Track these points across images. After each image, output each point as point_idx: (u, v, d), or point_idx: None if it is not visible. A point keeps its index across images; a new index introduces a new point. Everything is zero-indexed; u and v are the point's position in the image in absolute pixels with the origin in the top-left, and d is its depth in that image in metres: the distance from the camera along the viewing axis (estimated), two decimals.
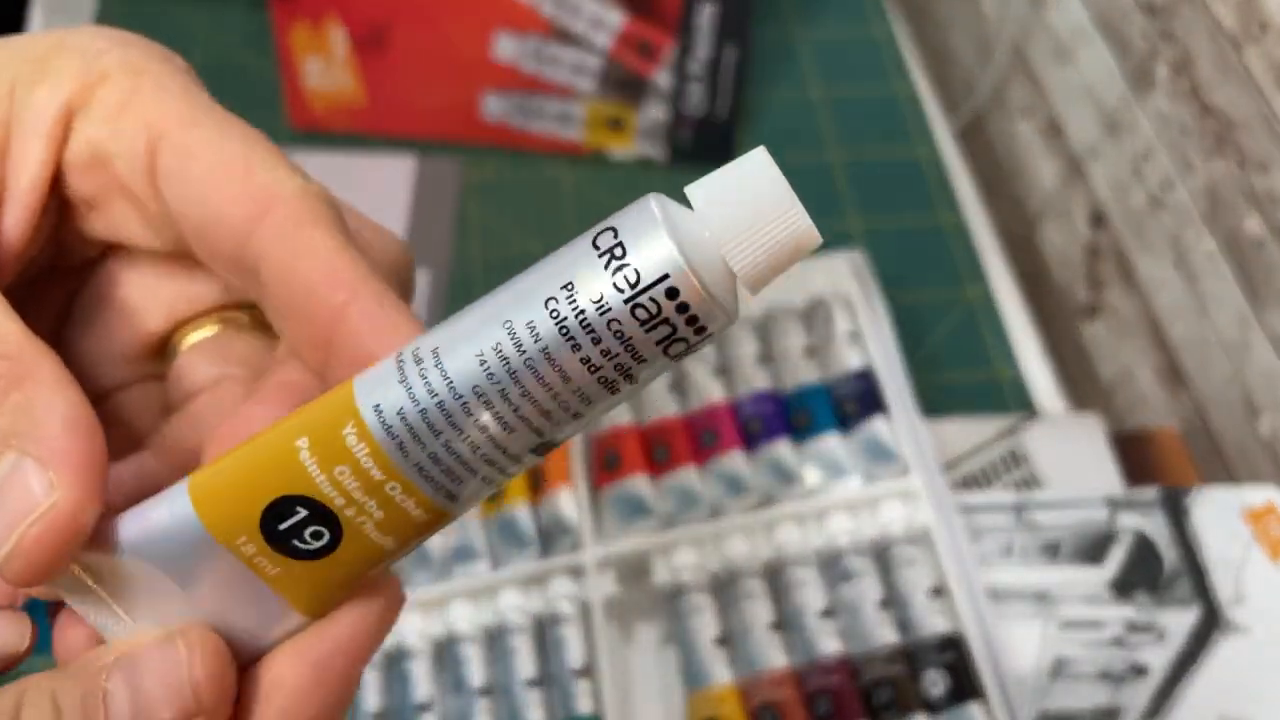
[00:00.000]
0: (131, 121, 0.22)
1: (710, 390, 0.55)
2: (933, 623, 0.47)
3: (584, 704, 0.47)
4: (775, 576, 0.50)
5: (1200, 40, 0.53)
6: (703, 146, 0.68)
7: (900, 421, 0.52)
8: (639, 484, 0.51)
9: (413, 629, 0.50)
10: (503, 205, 0.67)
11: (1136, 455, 0.55)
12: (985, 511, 0.52)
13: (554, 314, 0.17)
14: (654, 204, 0.18)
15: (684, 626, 0.49)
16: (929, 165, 0.70)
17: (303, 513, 0.18)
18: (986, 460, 0.55)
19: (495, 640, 0.49)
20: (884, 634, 0.47)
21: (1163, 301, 0.60)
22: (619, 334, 0.17)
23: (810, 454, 0.52)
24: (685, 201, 0.18)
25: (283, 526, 0.18)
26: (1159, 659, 0.48)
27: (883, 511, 0.50)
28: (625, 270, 0.17)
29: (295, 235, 0.21)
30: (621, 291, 0.17)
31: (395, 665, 0.49)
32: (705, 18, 0.64)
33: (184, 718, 0.18)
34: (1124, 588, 0.50)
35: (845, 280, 0.57)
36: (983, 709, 0.45)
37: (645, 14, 0.64)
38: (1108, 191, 0.64)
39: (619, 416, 0.54)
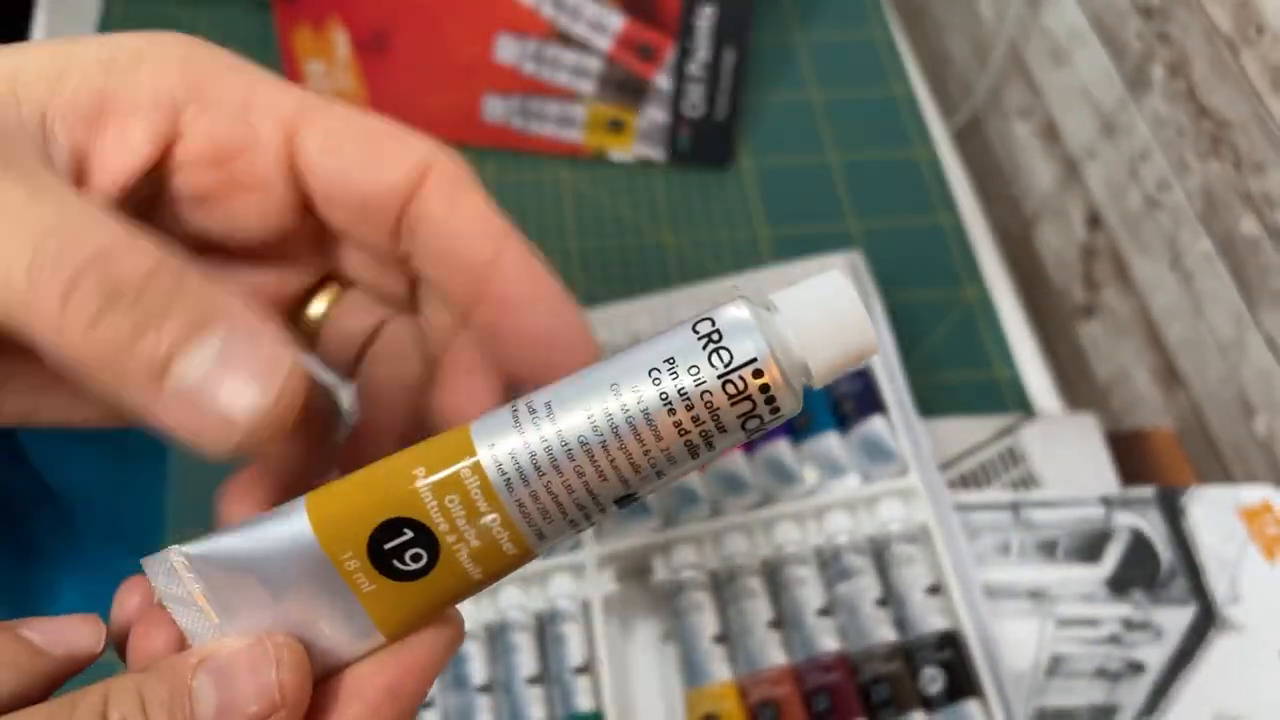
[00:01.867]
0: (260, 114, 0.23)
1: None
2: (930, 620, 0.48)
3: (584, 701, 0.47)
4: (774, 574, 0.50)
5: (1196, 42, 0.54)
6: (702, 148, 0.68)
7: (898, 421, 0.52)
8: None
9: None
10: (504, 206, 0.67)
11: (1133, 454, 0.56)
12: (982, 510, 0.52)
13: (656, 382, 0.20)
14: (745, 303, 0.21)
15: (684, 624, 0.49)
16: (927, 166, 0.70)
17: (408, 534, 0.20)
18: (984, 459, 0.55)
19: (496, 638, 0.50)
20: (882, 632, 0.48)
21: (1159, 302, 0.60)
22: (709, 404, 0.20)
23: (809, 453, 0.53)
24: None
25: (388, 546, 0.20)
26: (1155, 657, 0.48)
27: (881, 510, 0.51)
28: (721, 352, 0.20)
29: (453, 194, 0.24)
30: (715, 369, 0.20)
31: None
32: (705, 20, 0.64)
33: (269, 713, 0.19)
34: (1120, 586, 0.50)
35: None
36: (980, 706, 0.46)
37: (645, 16, 0.64)
38: (1104, 192, 0.64)
39: None
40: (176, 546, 0.21)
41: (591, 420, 0.20)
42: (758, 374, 0.20)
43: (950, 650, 0.47)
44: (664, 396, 0.20)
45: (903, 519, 0.50)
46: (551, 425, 0.20)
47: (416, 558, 0.20)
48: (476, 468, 0.20)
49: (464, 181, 0.24)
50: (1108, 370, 0.66)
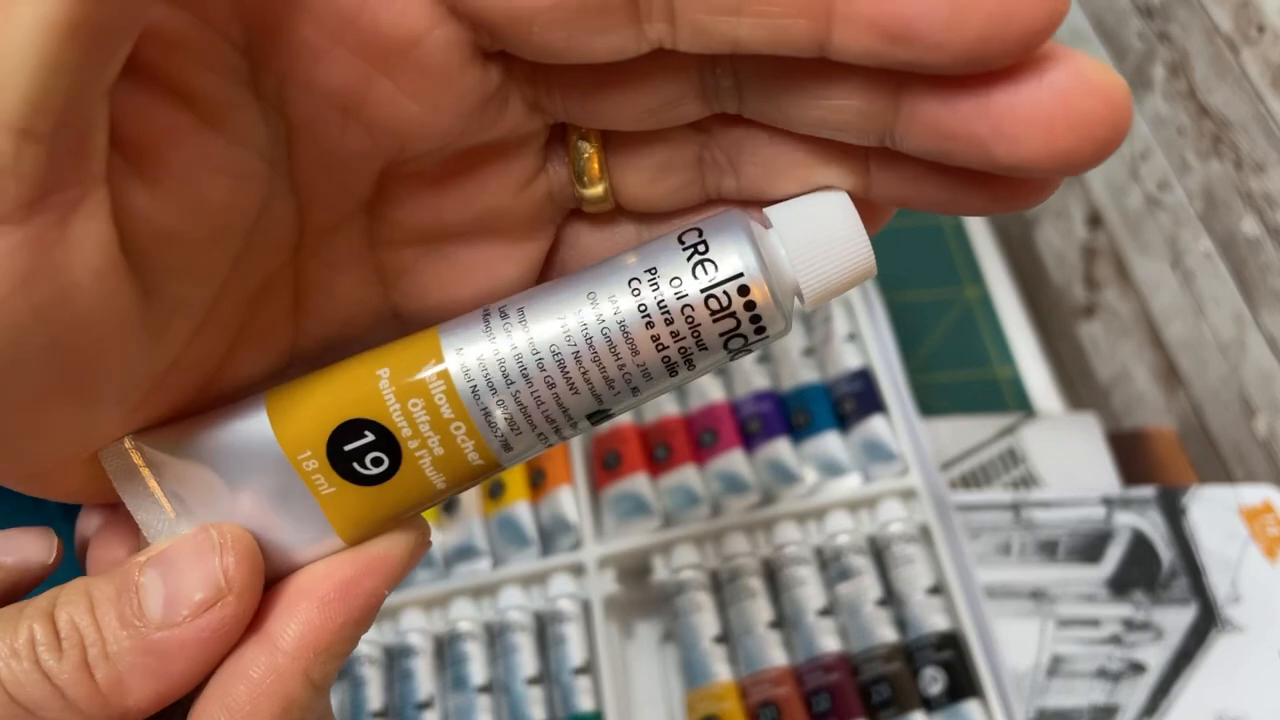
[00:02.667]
0: None
1: (710, 390, 0.55)
2: (931, 621, 0.48)
3: (584, 702, 0.47)
4: (774, 575, 0.50)
5: (1197, 42, 0.54)
6: None
7: (899, 421, 0.52)
8: (639, 483, 0.52)
9: (414, 627, 0.50)
10: None
11: (1133, 454, 0.55)
12: (983, 510, 0.52)
13: (635, 292, 0.19)
14: (736, 215, 0.20)
15: (684, 624, 0.49)
16: None
17: (369, 437, 0.19)
18: (984, 459, 0.55)
19: (496, 638, 0.50)
20: (883, 632, 0.48)
21: (1159, 301, 0.60)
22: (690, 319, 0.19)
23: (809, 453, 0.52)
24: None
25: (348, 448, 0.20)
26: (1156, 657, 0.48)
27: (881, 510, 0.51)
28: (706, 263, 0.19)
29: None
30: (699, 280, 0.19)
31: (397, 663, 0.49)
32: None
33: (216, 599, 0.19)
34: (1121, 586, 0.50)
35: None
36: (980, 707, 0.46)
37: None
38: (1105, 192, 0.64)
39: (620, 416, 0.54)
40: (131, 435, 0.20)
41: (565, 329, 0.19)
42: (743, 290, 0.19)
43: (951, 651, 0.47)
44: (642, 308, 0.19)
45: (903, 519, 0.50)
46: (523, 333, 0.19)
47: (377, 462, 0.20)
48: (443, 374, 0.19)
49: None
50: (1108, 370, 0.66)
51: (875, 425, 0.52)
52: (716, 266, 0.19)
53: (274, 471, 0.20)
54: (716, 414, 0.54)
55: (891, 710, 0.46)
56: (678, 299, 0.19)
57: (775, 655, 0.48)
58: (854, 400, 0.53)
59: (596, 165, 0.21)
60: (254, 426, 0.20)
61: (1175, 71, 0.56)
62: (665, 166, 0.21)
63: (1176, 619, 0.49)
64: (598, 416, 0.20)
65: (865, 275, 0.20)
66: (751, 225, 0.20)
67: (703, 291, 0.19)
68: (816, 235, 0.20)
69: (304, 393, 0.20)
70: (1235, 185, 0.52)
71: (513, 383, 0.19)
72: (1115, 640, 0.49)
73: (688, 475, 0.52)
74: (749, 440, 0.53)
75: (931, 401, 0.57)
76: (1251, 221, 0.52)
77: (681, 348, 0.19)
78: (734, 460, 0.52)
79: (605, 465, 0.53)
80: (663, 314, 0.19)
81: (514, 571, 0.51)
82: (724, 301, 0.19)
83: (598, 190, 0.21)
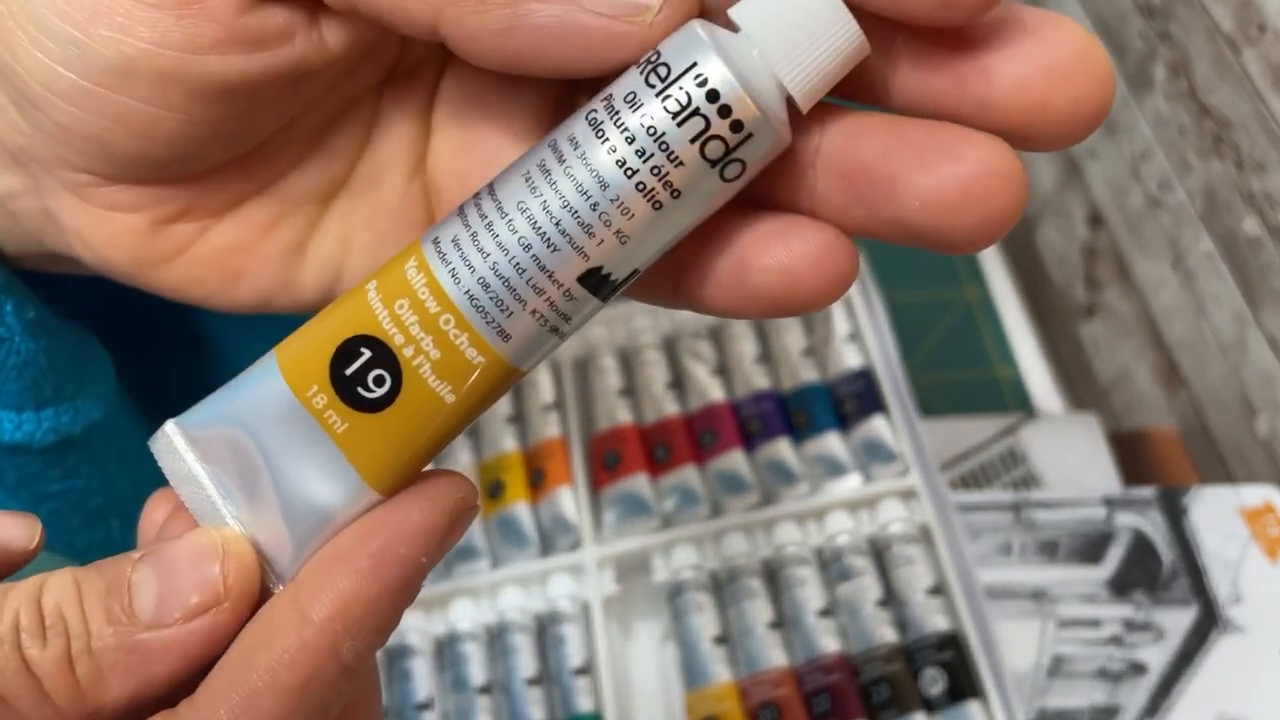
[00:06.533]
0: None
1: (710, 390, 0.55)
2: (931, 621, 0.48)
3: (584, 702, 0.47)
4: (775, 575, 0.50)
5: (1198, 41, 0.54)
6: None
7: (899, 421, 0.52)
8: (639, 483, 0.52)
9: (414, 628, 0.50)
10: None
11: (1134, 455, 0.55)
12: (984, 510, 0.52)
13: (592, 123, 0.18)
14: (689, 24, 0.18)
15: (684, 625, 0.49)
16: None
17: (366, 354, 0.19)
18: (985, 459, 0.55)
19: (496, 639, 0.50)
20: (883, 632, 0.48)
21: (1160, 302, 0.60)
22: (651, 130, 0.17)
23: (809, 453, 0.52)
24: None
25: (349, 372, 0.19)
26: (1157, 658, 0.48)
27: (882, 510, 0.51)
28: (658, 68, 0.18)
29: None
30: (654, 87, 0.17)
31: (396, 663, 0.49)
32: None
33: (212, 604, 0.19)
34: (1122, 587, 0.50)
35: None
36: (981, 707, 0.46)
37: None
38: (1106, 192, 0.64)
39: (619, 415, 0.54)
40: (174, 420, 0.20)
41: (527, 178, 0.18)
42: (702, 82, 0.17)
43: (951, 651, 0.47)
44: (600, 133, 0.18)
45: (903, 519, 0.50)
46: (491, 201, 0.18)
47: (380, 381, 0.19)
48: (421, 265, 0.18)
49: None
50: (1109, 370, 0.66)
51: (876, 425, 0.52)
52: (669, 68, 0.17)
53: (290, 418, 0.19)
54: (717, 414, 0.54)
55: (892, 711, 0.46)
56: (634, 112, 0.17)
57: (775, 656, 0.48)
58: (854, 400, 0.53)
59: None
60: (266, 376, 0.19)
61: (1176, 71, 0.56)
62: None
63: (1177, 619, 0.49)
64: (593, 282, 0.18)
65: (855, 54, 0.18)
66: (711, 28, 0.18)
67: (658, 96, 0.17)
68: (787, 21, 0.18)
69: (304, 330, 0.20)
70: (1236, 185, 0.52)
71: (488, 254, 0.18)
72: (1116, 641, 0.49)
73: (688, 475, 0.52)
74: (749, 440, 0.53)
75: (932, 401, 0.57)
76: (1252, 221, 0.52)
77: (653, 168, 0.17)
78: (734, 460, 0.52)
79: (605, 465, 0.53)
80: (622, 134, 0.18)
81: (514, 572, 0.51)
82: (683, 100, 0.17)
83: None
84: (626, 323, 0.57)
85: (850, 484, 0.52)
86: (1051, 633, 0.49)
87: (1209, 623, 0.48)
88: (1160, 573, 0.50)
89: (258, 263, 0.22)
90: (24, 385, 0.25)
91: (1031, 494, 0.53)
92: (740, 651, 0.48)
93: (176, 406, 0.20)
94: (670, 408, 0.55)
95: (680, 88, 0.17)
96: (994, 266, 0.66)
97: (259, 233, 0.22)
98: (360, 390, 0.19)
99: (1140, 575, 0.50)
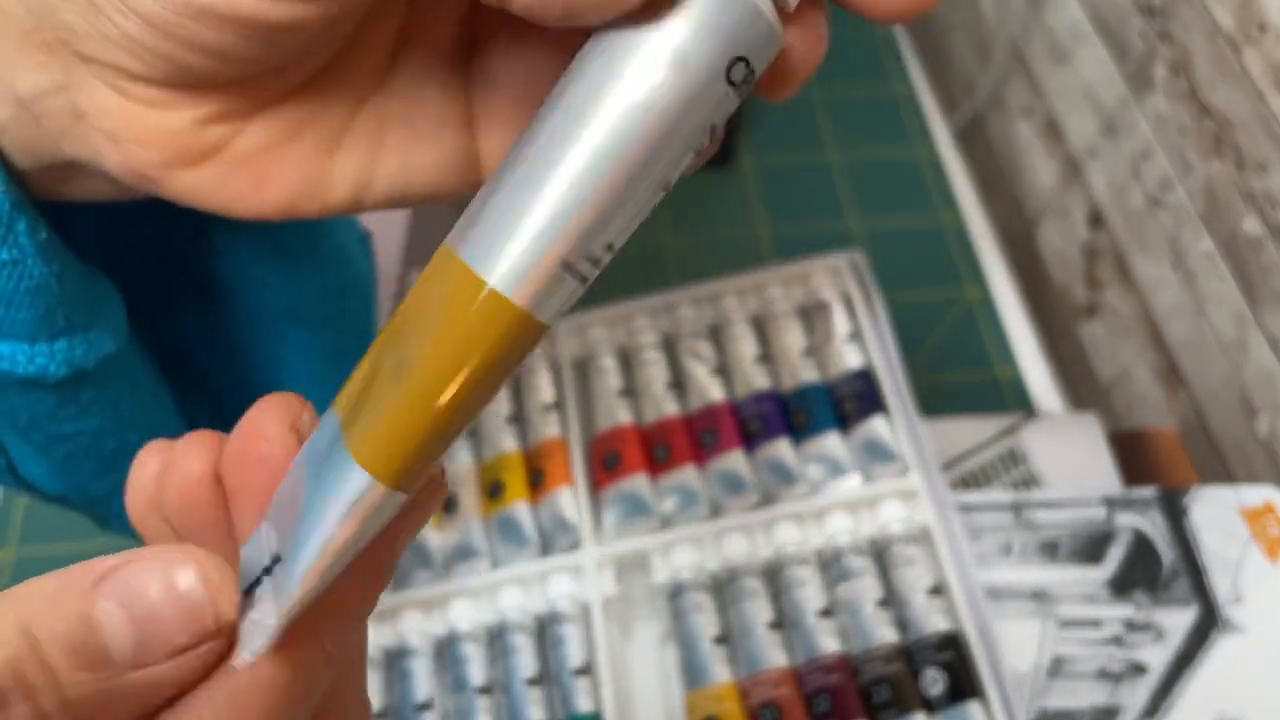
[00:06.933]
0: None
1: (710, 390, 0.55)
2: (932, 622, 0.48)
3: (584, 703, 0.47)
4: (775, 575, 0.50)
5: (1199, 41, 0.53)
6: None
7: (899, 421, 0.52)
8: (639, 483, 0.52)
9: (413, 628, 0.50)
10: None
11: (1135, 455, 0.55)
12: (984, 510, 0.52)
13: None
14: None
15: (684, 625, 0.49)
16: (928, 165, 0.70)
17: None
18: (985, 459, 0.55)
19: (496, 639, 0.50)
20: (883, 633, 0.48)
21: (1161, 301, 0.60)
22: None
23: (810, 453, 0.52)
24: None
25: None
26: (1157, 658, 0.48)
27: (882, 511, 0.50)
28: None
29: None
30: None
31: (396, 664, 0.49)
32: None
33: (201, 642, 0.17)
34: (1122, 587, 0.50)
35: (844, 280, 0.57)
36: (981, 708, 0.46)
37: None
38: (1106, 192, 0.64)
39: (619, 415, 0.54)
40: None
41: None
42: None
43: (951, 651, 0.47)
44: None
45: (904, 520, 0.50)
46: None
47: None
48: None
49: None
50: (1109, 370, 0.66)
51: (876, 425, 0.52)
52: None
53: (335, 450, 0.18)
54: (717, 414, 0.54)
55: (892, 711, 0.46)
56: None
57: (775, 656, 0.48)
58: (855, 400, 0.53)
59: None
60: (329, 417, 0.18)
61: (1177, 71, 0.56)
62: None
63: (1178, 620, 0.49)
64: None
65: None
66: None
67: None
68: None
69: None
70: (1236, 185, 0.52)
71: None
72: (1116, 641, 0.49)
73: (688, 475, 0.52)
74: (749, 440, 0.53)
75: (932, 401, 0.56)
76: (1253, 221, 0.52)
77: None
78: (734, 460, 0.52)
79: (605, 465, 0.53)
80: None
81: (513, 572, 0.51)
82: None
83: None
84: (627, 323, 0.57)
85: (850, 484, 0.52)
86: (1052, 633, 0.49)
87: (1209, 623, 0.48)
88: (1160, 573, 0.50)
89: (288, 164, 0.22)
90: (37, 314, 0.24)
91: (1032, 494, 0.53)
92: (740, 652, 0.48)
93: (186, 354, 0.20)
94: (670, 408, 0.55)
95: None
96: (994, 266, 0.66)
97: (292, 131, 0.22)
98: None
99: (1140, 575, 0.50)
